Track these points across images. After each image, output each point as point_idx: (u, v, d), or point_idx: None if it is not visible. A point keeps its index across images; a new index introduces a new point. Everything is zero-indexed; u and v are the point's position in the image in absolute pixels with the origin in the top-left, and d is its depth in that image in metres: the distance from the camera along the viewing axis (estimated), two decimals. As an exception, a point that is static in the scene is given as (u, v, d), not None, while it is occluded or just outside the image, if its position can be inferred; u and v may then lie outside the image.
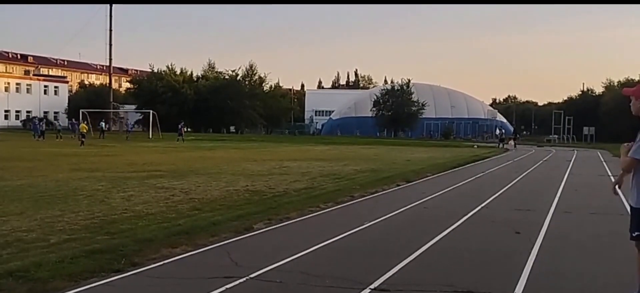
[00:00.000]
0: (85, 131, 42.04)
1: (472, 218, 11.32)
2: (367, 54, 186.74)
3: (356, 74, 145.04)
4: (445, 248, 8.59)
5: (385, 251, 8.25)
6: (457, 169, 24.53)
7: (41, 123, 52.93)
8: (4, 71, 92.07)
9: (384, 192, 15.62)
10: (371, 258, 7.81)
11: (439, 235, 9.36)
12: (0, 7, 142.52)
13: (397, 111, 76.21)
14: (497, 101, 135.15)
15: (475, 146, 48.84)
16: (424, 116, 78.52)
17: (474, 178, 20.39)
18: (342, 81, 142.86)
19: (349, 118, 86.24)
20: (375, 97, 79.65)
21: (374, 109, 78.15)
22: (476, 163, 28.95)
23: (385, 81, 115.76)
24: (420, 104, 77.12)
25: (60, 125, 54.39)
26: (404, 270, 7.13)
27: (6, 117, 75.27)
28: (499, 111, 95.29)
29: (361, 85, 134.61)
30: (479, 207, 12.72)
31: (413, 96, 77.44)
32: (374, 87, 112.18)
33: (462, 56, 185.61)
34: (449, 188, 16.68)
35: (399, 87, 79.07)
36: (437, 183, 18.17)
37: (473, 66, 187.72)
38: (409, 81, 78.96)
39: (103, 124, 56.35)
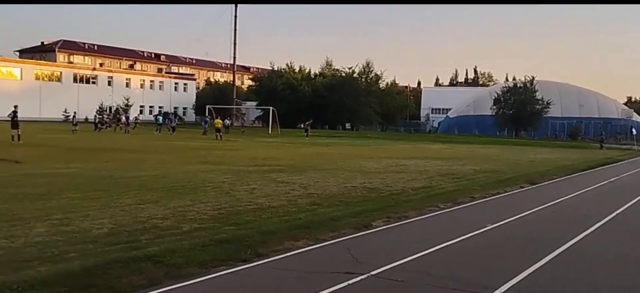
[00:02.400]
0: (220, 126, 44.37)
1: (606, 225, 10.53)
2: (488, 50, 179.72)
3: (475, 71, 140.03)
4: (577, 254, 8.06)
5: (511, 256, 7.89)
6: (586, 172, 22.97)
7: (175, 118, 56.79)
8: (140, 69, 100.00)
9: (507, 194, 14.98)
10: (496, 262, 7.51)
11: (570, 240, 8.80)
12: (139, 9, 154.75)
13: (519, 110, 72.60)
14: (633, 99, 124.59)
15: (603, 148, 45.43)
16: (548, 115, 74.23)
17: (606, 182, 18.97)
18: (461, 78, 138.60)
19: (467, 117, 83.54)
20: (495, 95, 76.29)
21: (494, 107, 74.90)
22: (608, 166, 26.92)
23: (507, 79, 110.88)
24: (544, 103, 72.97)
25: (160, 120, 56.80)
26: (533, 275, 6.77)
27: (141, 112, 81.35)
28: (635, 111, 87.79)
29: (480, 82, 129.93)
30: (614, 213, 11.81)
31: (537, 94, 73.45)
32: (494, 84, 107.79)
33: (593, 53, 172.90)
34: (578, 192, 15.66)
35: (522, 85, 75.34)
36: (564, 186, 17.13)
37: (605, 63, 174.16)
38: (533, 78, 74.99)
39: (227, 120, 59.18)
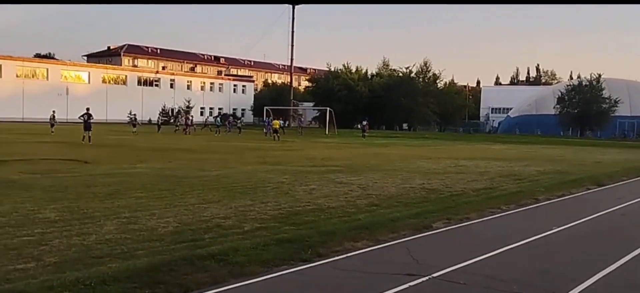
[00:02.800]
0: (277, 126, 45.11)
1: (682, 230, 10.01)
2: (551, 48, 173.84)
3: (537, 69, 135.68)
4: (650, 261, 7.70)
5: (578, 260, 7.62)
6: (659, 173, 21.88)
7: (238, 120, 58.22)
8: (201, 71, 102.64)
9: (573, 196, 14.47)
10: (562, 266, 7.27)
11: (642, 246, 8.41)
12: (197, 10, 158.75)
13: (584, 109, 69.90)
14: None
15: None
16: (616, 114, 71.09)
17: (681, 184, 18.02)
18: (522, 77, 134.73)
19: (528, 116, 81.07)
20: (559, 93, 73.69)
21: (558, 106, 72.37)
22: (683, 167, 25.55)
23: (571, 77, 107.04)
24: (612, 101, 69.95)
25: (218, 121, 57.94)
26: (603, 281, 6.51)
27: (201, 113, 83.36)
28: None
29: (543, 81, 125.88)
30: (690, 217, 11.21)
31: (604, 92, 70.52)
32: (557, 83, 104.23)
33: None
34: (650, 195, 14.94)
35: (588, 83, 72.47)
36: (636, 188, 16.41)
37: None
38: (599, 76, 72.05)
39: (281, 121, 59.83)
